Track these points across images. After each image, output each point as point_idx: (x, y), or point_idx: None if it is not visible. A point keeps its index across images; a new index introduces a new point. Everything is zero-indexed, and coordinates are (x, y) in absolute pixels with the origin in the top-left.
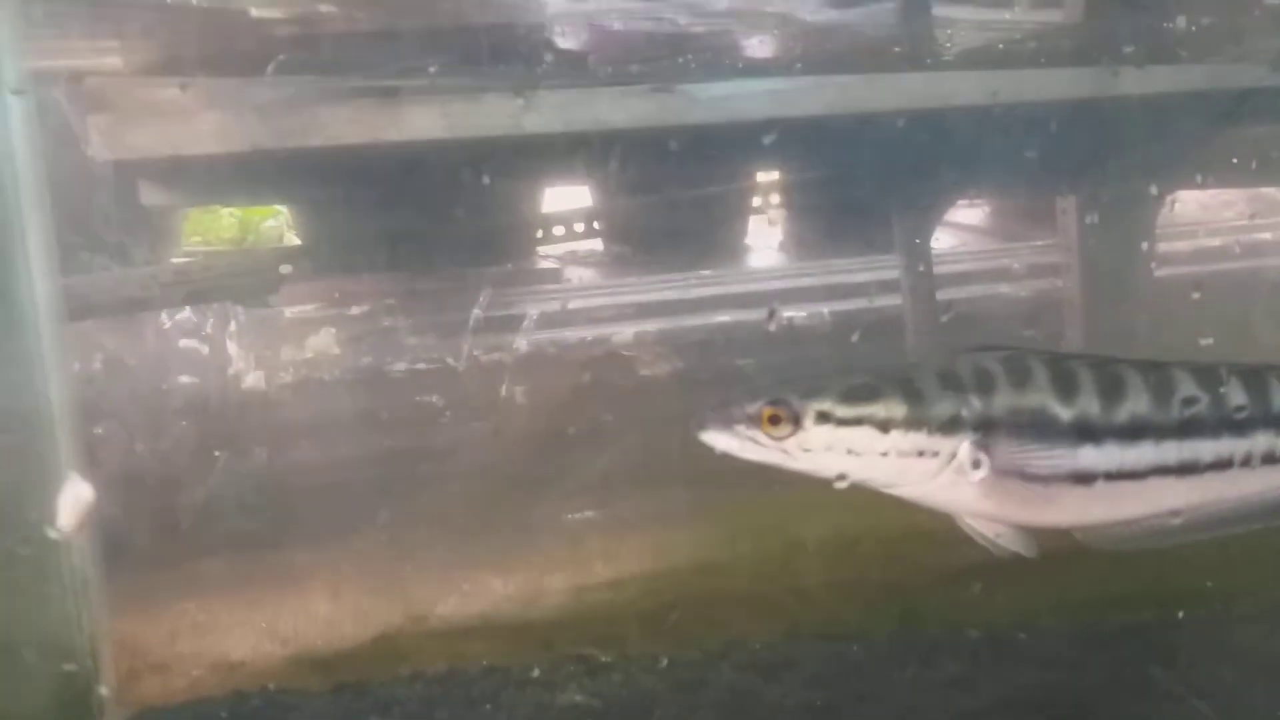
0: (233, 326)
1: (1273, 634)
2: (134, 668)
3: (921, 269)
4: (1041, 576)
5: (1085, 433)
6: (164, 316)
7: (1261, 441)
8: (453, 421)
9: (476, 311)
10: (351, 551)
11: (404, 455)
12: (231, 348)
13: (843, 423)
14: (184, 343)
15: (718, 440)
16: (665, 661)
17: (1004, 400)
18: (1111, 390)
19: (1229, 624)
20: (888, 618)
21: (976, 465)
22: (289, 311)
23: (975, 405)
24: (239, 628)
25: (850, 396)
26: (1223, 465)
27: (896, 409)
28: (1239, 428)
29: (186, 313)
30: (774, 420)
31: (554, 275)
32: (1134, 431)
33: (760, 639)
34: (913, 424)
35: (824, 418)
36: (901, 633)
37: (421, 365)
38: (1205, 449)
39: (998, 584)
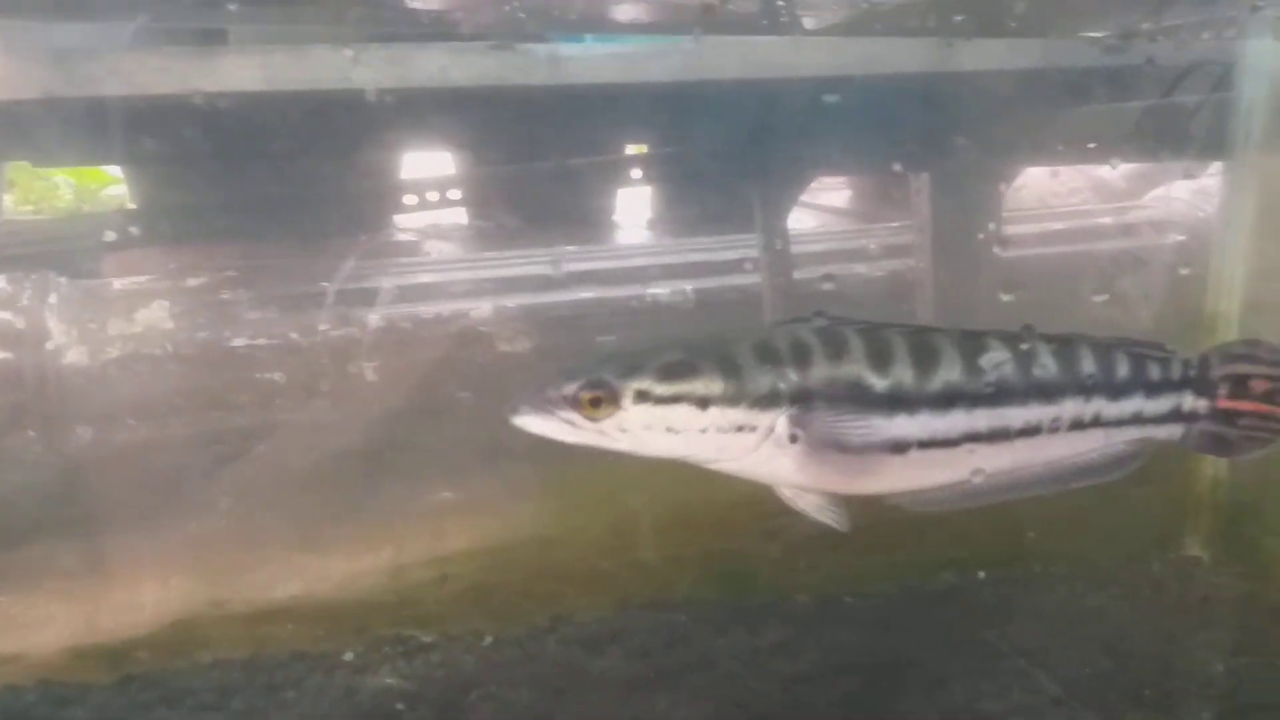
0: (53, 298)
1: (1086, 592)
2: None
3: (779, 247)
4: (870, 541)
5: (899, 402)
6: None
7: (1069, 408)
8: (294, 400)
9: (325, 285)
10: (163, 536)
11: (238, 435)
12: (51, 320)
13: (661, 401)
14: None
15: (532, 424)
16: (489, 639)
17: (820, 372)
18: (925, 360)
19: (1048, 582)
20: (718, 587)
21: (794, 438)
22: (118, 283)
23: (792, 378)
24: (24, 618)
25: (669, 374)
26: (1031, 431)
27: (715, 385)
28: (1048, 395)
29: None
30: (593, 402)
31: (411, 248)
32: (947, 400)
33: (589, 612)
34: (731, 399)
35: (642, 396)
36: (731, 601)
37: (263, 341)
38: (1015, 416)
39: (828, 550)
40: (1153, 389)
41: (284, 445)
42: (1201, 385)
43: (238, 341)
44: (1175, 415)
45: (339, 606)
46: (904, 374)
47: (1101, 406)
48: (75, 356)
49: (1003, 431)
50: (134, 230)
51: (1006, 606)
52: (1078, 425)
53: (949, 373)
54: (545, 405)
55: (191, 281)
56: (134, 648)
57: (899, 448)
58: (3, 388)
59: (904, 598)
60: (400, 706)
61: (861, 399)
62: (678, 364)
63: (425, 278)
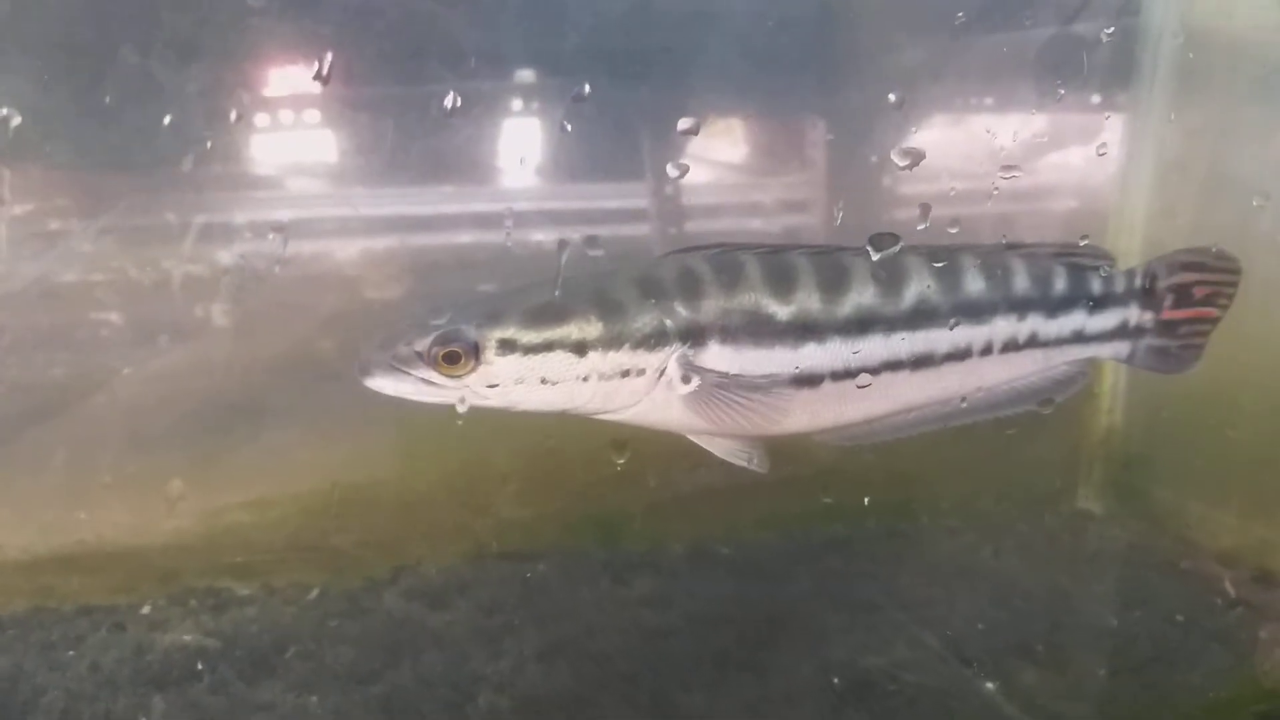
0: None
1: (977, 545)
2: None
3: (670, 195)
4: (752, 489)
5: (807, 330)
6: None
7: (1002, 328)
8: (127, 343)
9: (170, 217)
10: None
11: (64, 379)
12: None
13: (531, 350)
14: None
15: (385, 386)
16: (315, 592)
17: (713, 304)
18: (835, 282)
19: (936, 535)
20: (583, 536)
21: (688, 379)
22: None
23: (681, 313)
24: None
25: (536, 319)
26: (960, 355)
27: (591, 327)
28: (977, 314)
29: None
30: (449, 358)
31: (270, 181)
32: (861, 325)
33: (436, 563)
34: (611, 342)
35: (508, 346)
36: (596, 550)
37: (99, 277)
38: (940, 339)
39: (706, 498)
40: (1096, 304)
41: (111, 392)
42: (1147, 298)
43: (68, 277)
44: (1121, 332)
45: (142, 554)
46: (810, 299)
47: (1038, 325)
48: None
49: (927, 357)
50: None
51: (894, 559)
52: (1011, 346)
53: (862, 295)
54: (398, 364)
55: (18, 209)
56: None
57: (810, 381)
58: None
59: (784, 549)
60: (200, 666)
61: (763, 330)
62: (546, 307)
63: (285, 213)
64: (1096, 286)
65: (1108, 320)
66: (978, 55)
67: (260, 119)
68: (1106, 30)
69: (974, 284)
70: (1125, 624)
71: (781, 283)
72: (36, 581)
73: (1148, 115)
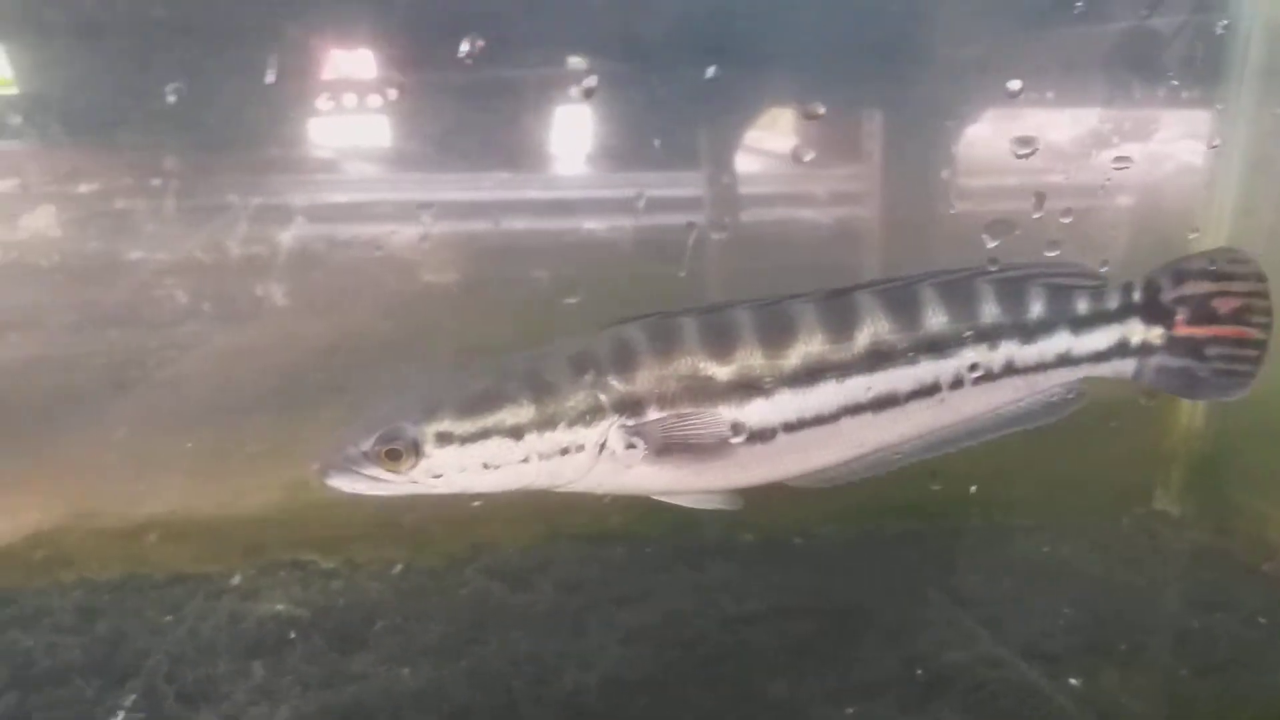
0: None
1: (1053, 544)
2: None
3: (726, 184)
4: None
5: (750, 388)
6: None
7: (972, 359)
8: (191, 320)
9: (233, 198)
10: (39, 453)
11: (129, 353)
12: None
13: (468, 439)
14: None
15: (344, 485)
16: (399, 568)
17: (649, 372)
18: (778, 334)
19: (1010, 533)
20: (652, 523)
21: (632, 447)
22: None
23: (615, 385)
24: None
25: (471, 409)
26: (927, 392)
27: (525, 411)
28: (940, 349)
29: None
30: (391, 455)
31: (329, 164)
32: (810, 375)
33: (513, 543)
34: (546, 423)
35: (445, 439)
36: (668, 536)
37: (162, 255)
38: (902, 378)
39: (776, 490)
40: (1082, 323)
41: (179, 367)
42: (1152, 311)
43: (133, 255)
44: (1120, 350)
45: (229, 527)
46: (752, 356)
47: (1013, 352)
48: None
49: (890, 398)
50: (25, 128)
51: (968, 555)
52: (987, 377)
53: (810, 344)
54: (348, 465)
55: (84, 188)
56: None
57: (761, 436)
58: None
59: (858, 542)
60: (293, 635)
61: (703, 391)
62: (480, 395)
63: (343, 197)
64: (1082, 305)
65: (1101, 339)
66: (1083, 45)
67: (349, 101)
68: (1221, 23)
69: (936, 317)
70: (1206, 625)
71: (720, 342)
72: (130, 549)
73: (1236, 111)
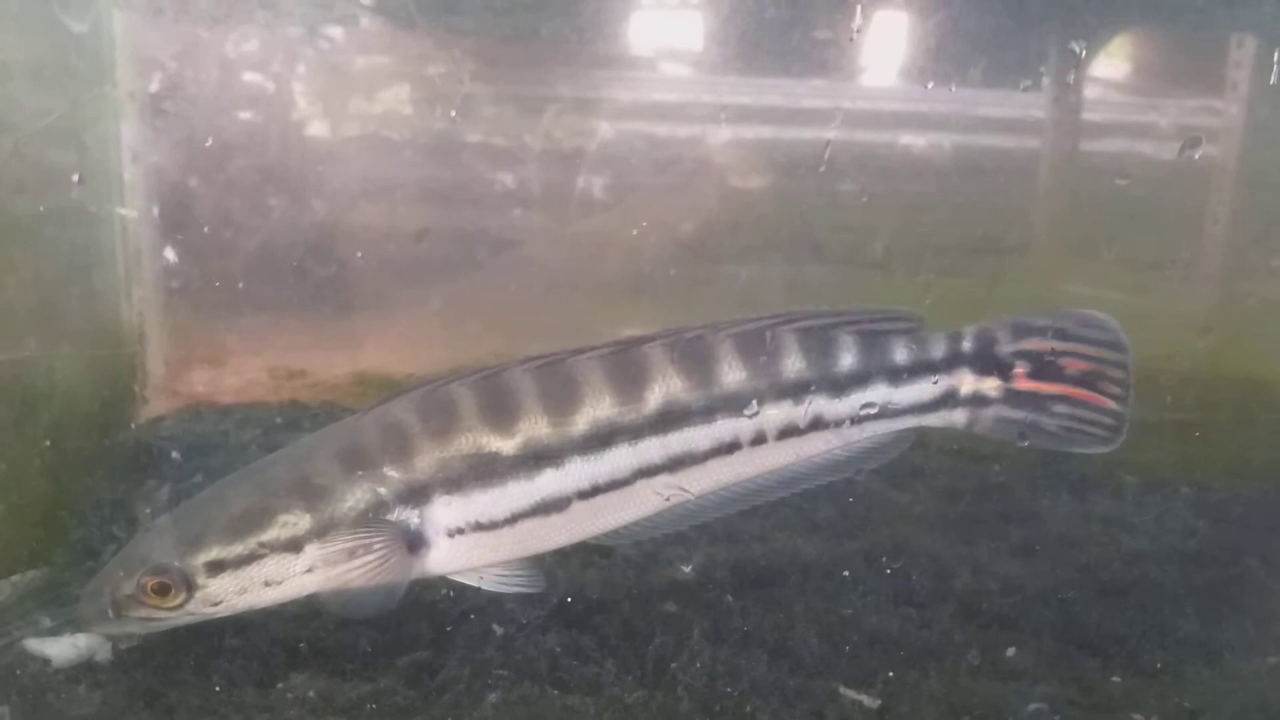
0: (301, 67)
1: None
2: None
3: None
4: (1220, 432)
5: (538, 459)
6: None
7: (773, 416)
8: (517, 206)
9: (562, 89)
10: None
11: (462, 234)
12: (297, 89)
13: (242, 562)
14: (247, 76)
15: (111, 630)
16: None
17: (429, 456)
18: (563, 400)
19: None
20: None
21: (421, 537)
22: (360, 60)
23: (394, 476)
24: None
25: (239, 529)
26: (727, 449)
27: (298, 523)
28: (737, 406)
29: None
30: (160, 592)
31: (647, 63)
32: (601, 440)
33: None
34: (325, 530)
35: (216, 568)
36: (1047, 460)
37: (498, 140)
38: (699, 437)
39: (1162, 437)
40: (901, 374)
41: (514, 251)
42: (985, 363)
43: (472, 137)
44: (947, 401)
45: None
46: (538, 425)
47: (821, 407)
48: (317, 129)
49: (687, 457)
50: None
51: None
52: (791, 432)
53: (597, 408)
54: (111, 609)
55: (433, 69)
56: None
57: (555, 506)
58: (248, 151)
59: (1256, 498)
60: None
61: (489, 469)
62: (246, 514)
63: (660, 96)
64: (900, 355)
65: (923, 391)
66: None
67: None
68: None
69: (733, 374)
70: None
71: (502, 413)
72: None
73: None
